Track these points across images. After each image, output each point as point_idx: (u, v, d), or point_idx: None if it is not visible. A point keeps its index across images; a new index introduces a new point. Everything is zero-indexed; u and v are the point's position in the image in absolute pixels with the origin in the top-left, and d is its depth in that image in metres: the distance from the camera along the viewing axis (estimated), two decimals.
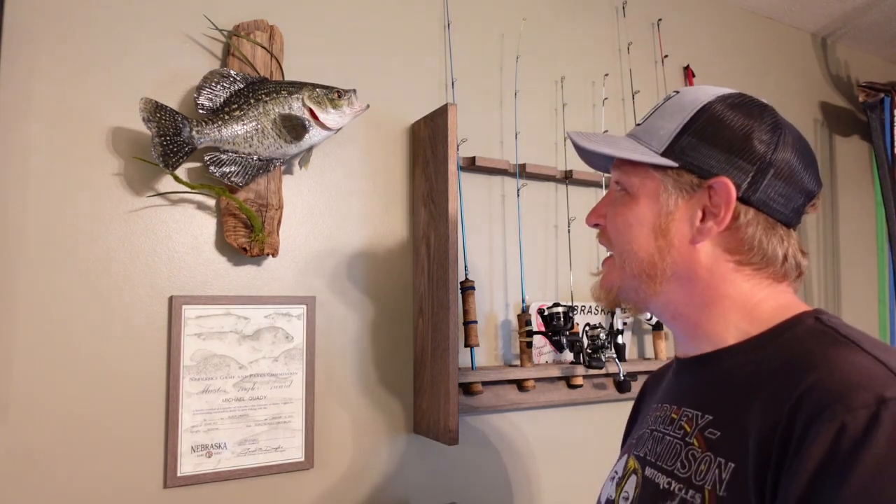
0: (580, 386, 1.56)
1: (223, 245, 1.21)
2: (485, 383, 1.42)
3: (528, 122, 1.60)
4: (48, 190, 1.08)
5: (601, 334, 1.49)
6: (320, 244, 1.32)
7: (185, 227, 1.18)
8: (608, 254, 0.76)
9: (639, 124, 0.74)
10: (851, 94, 2.39)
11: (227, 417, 1.18)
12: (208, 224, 1.20)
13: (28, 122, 1.07)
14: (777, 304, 0.67)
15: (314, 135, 1.20)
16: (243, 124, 1.15)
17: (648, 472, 0.69)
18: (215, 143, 1.14)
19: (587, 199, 1.70)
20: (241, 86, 1.17)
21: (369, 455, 1.33)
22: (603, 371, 1.55)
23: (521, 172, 1.55)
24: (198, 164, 1.18)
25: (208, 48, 1.23)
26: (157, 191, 1.16)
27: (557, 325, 1.46)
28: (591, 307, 1.64)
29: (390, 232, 1.40)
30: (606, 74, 1.77)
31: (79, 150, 1.10)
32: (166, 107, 1.09)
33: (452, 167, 1.29)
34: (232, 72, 1.16)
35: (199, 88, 1.14)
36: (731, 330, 0.68)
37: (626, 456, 0.78)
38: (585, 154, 0.78)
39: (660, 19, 1.89)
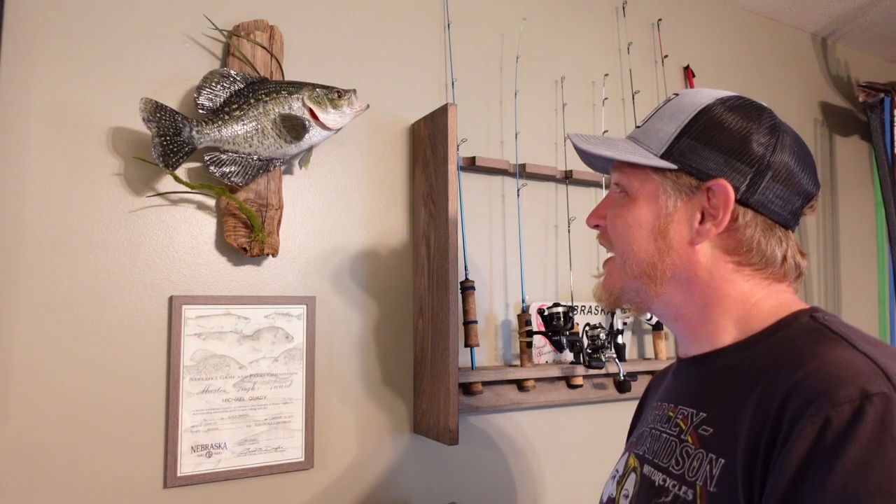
0: (580, 386, 1.56)
1: (223, 245, 1.21)
2: (485, 383, 1.42)
3: (528, 122, 1.60)
4: (48, 190, 1.08)
5: (601, 334, 1.49)
6: (320, 244, 1.32)
7: (185, 227, 1.18)
8: (609, 255, 0.77)
9: (639, 126, 0.74)
10: (851, 94, 2.39)
11: (227, 417, 1.18)
12: (208, 224, 1.20)
13: (28, 122, 1.07)
14: (776, 302, 0.67)
15: (314, 135, 1.20)
16: (243, 124, 1.15)
17: (646, 469, 0.70)
18: (215, 143, 1.14)
19: (587, 199, 1.70)
20: (241, 86, 1.17)
21: (369, 455, 1.33)
22: (603, 371, 1.55)
23: (521, 172, 1.55)
24: (198, 164, 1.18)
25: (208, 48, 1.23)
26: (157, 191, 1.16)
27: (557, 325, 1.46)
28: (591, 307, 1.64)
29: (390, 232, 1.40)
30: (606, 74, 1.77)
31: (79, 150, 1.10)
32: (166, 107, 1.09)
33: (452, 167, 1.29)
34: (232, 72, 1.16)
35: (199, 88, 1.14)
36: (729, 330, 0.68)
37: (626, 454, 0.79)
38: (586, 156, 0.78)
39: (660, 19, 1.89)
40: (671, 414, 0.71)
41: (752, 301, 0.68)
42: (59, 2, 1.11)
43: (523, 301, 1.53)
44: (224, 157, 1.14)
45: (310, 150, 1.22)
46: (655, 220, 0.69)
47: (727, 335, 0.68)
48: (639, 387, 1.61)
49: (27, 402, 1.04)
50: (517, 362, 1.51)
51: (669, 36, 1.91)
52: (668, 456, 0.67)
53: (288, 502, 1.24)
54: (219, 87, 1.15)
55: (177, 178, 1.11)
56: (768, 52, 2.19)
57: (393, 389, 1.38)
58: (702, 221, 0.67)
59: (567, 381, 1.56)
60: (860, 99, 2.23)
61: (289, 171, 1.28)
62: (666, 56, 1.89)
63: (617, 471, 0.79)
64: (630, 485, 0.73)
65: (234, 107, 1.15)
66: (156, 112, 1.07)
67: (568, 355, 1.56)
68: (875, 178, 2.38)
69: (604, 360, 1.48)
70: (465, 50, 1.54)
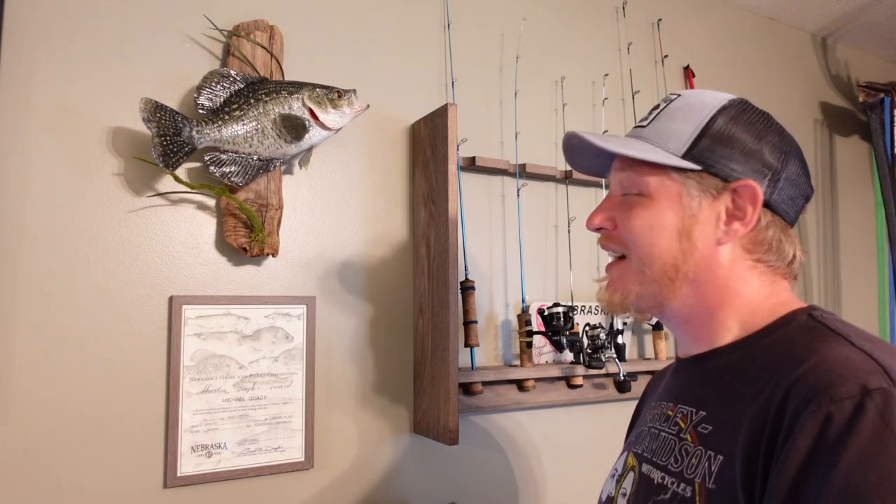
0: (580, 386, 1.56)
1: (223, 245, 1.21)
2: (485, 383, 1.42)
3: (528, 122, 1.60)
4: (48, 190, 1.08)
5: (601, 334, 1.49)
6: (320, 244, 1.32)
7: (186, 228, 1.18)
8: (611, 258, 0.75)
9: (642, 126, 0.73)
10: (851, 94, 2.39)
11: (227, 417, 1.18)
12: (208, 224, 1.20)
13: (28, 122, 1.07)
14: (777, 300, 0.69)
15: (314, 135, 1.20)
16: (243, 124, 1.15)
17: (645, 468, 0.71)
18: (215, 143, 1.14)
19: (587, 199, 1.70)
20: (241, 86, 1.17)
21: (369, 455, 1.33)
22: (603, 371, 1.55)
23: (521, 172, 1.55)
24: (198, 164, 1.18)
25: (208, 48, 1.23)
26: (157, 191, 1.16)
27: (557, 325, 1.46)
28: (591, 307, 1.64)
29: (390, 232, 1.40)
30: (606, 74, 1.77)
31: (79, 150, 1.10)
32: (166, 107, 1.09)
33: (452, 167, 1.29)
34: (232, 72, 1.16)
35: (199, 88, 1.14)
36: (732, 329, 0.69)
37: (625, 453, 0.79)
38: (573, 157, 0.78)
39: (660, 19, 1.89)
40: (670, 413, 0.72)
41: (758, 299, 0.69)
42: (60, 2, 1.11)
43: (523, 301, 1.53)
44: (224, 157, 1.14)
45: (310, 150, 1.22)
46: (679, 221, 0.68)
47: (729, 334, 0.69)
48: (639, 387, 1.61)
49: (27, 403, 1.04)
50: (517, 362, 1.51)
51: (669, 36, 1.91)
52: (667, 454, 0.67)
53: (288, 502, 1.24)
54: (219, 87, 1.15)
55: (177, 178, 1.11)
56: (768, 52, 2.19)
57: (393, 389, 1.38)
58: (727, 222, 0.68)
59: (567, 381, 1.56)
60: (860, 99, 2.23)
61: (289, 171, 1.28)
62: (666, 56, 1.89)
63: (616, 470, 0.79)
64: (628, 483, 0.73)
65: (234, 107, 1.15)
66: (156, 112, 1.07)
67: (568, 355, 1.56)
68: (875, 178, 2.38)
69: (604, 360, 1.48)
70: (465, 50, 1.54)
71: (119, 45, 1.15)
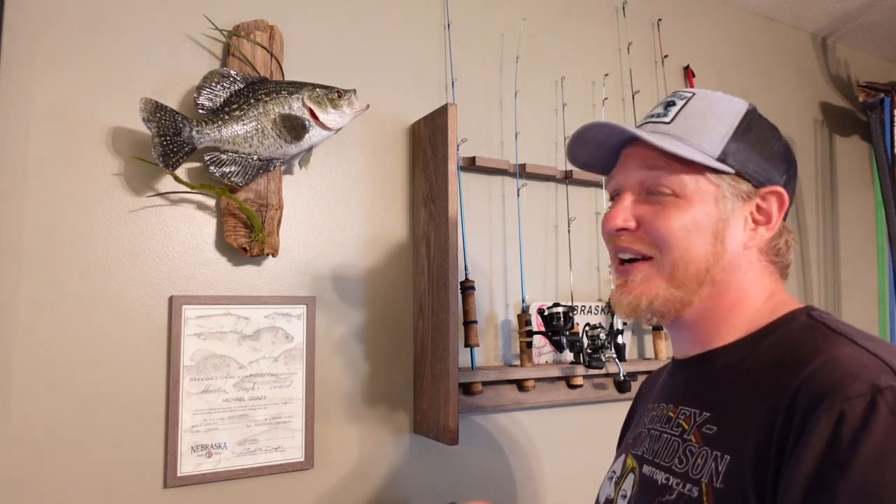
0: (580, 386, 1.56)
1: (223, 245, 1.21)
2: (485, 383, 1.42)
3: (528, 122, 1.60)
4: (48, 190, 1.08)
5: (601, 334, 1.49)
6: (320, 244, 1.32)
7: (186, 228, 1.18)
8: (626, 260, 0.71)
9: (661, 121, 0.71)
10: (851, 94, 2.39)
11: (227, 417, 1.18)
12: (208, 224, 1.20)
13: (28, 122, 1.07)
14: (778, 300, 0.71)
15: (314, 135, 1.20)
16: (243, 124, 1.15)
17: (646, 469, 0.71)
18: (215, 143, 1.14)
19: (587, 199, 1.70)
20: (241, 86, 1.17)
21: (369, 455, 1.33)
22: (603, 371, 1.55)
23: (521, 172, 1.55)
24: (198, 164, 1.18)
25: (208, 48, 1.23)
26: (157, 191, 1.16)
27: (557, 325, 1.46)
28: (591, 307, 1.64)
29: (390, 232, 1.40)
30: (606, 74, 1.77)
31: (79, 150, 1.10)
32: (166, 107, 1.09)
33: (452, 167, 1.29)
34: (232, 72, 1.16)
35: (199, 88, 1.14)
36: (737, 329, 0.70)
37: (623, 455, 0.79)
38: (579, 148, 0.76)
39: (660, 19, 1.89)
40: (671, 414, 0.71)
41: (762, 300, 0.70)
42: (60, 2, 1.11)
43: (523, 301, 1.53)
44: (224, 157, 1.14)
45: (310, 150, 1.22)
46: (714, 224, 0.67)
47: (734, 334, 0.70)
48: (639, 387, 1.61)
49: (27, 402, 1.04)
50: (517, 362, 1.51)
51: (669, 36, 1.91)
52: (671, 455, 0.67)
53: (288, 502, 1.24)
54: (219, 87, 1.15)
55: (177, 178, 1.11)
56: (768, 52, 2.19)
57: (393, 389, 1.38)
58: (753, 227, 0.69)
59: (567, 381, 1.56)
60: (860, 99, 2.23)
61: (289, 171, 1.28)
62: (666, 56, 1.89)
63: (614, 472, 0.79)
64: (628, 485, 0.73)
65: (234, 107, 1.15)
66: (156, 112, 1.07)
67: (568, 355, 1.56)
68: (875, 178, 2.38)
69: (604, 360, 1.48)
70: (465, 50, 1.54)
71: (119, 44, 1.15)
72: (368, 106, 1.24)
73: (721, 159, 0.67)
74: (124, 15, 1.16)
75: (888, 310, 2.27)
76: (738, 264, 0.69)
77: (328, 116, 1.18)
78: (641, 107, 1.79)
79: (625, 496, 0.73)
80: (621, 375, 1.57)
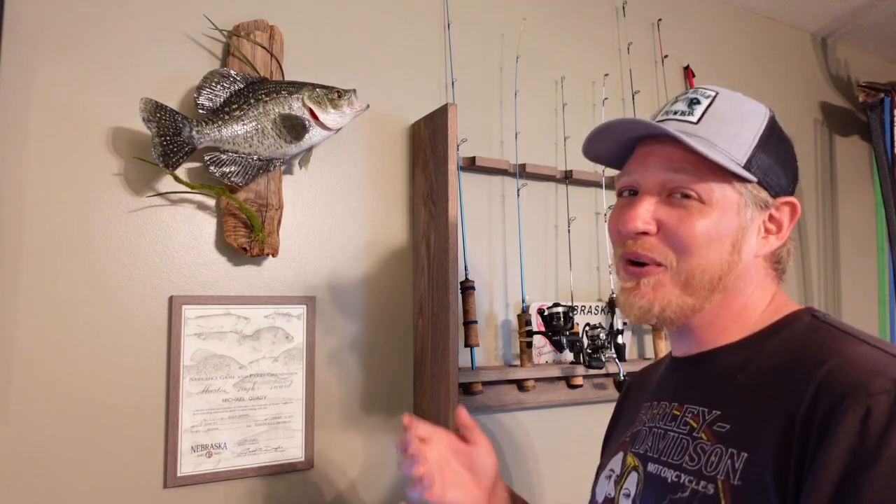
0: (580, 386, 1.56)
1: (223, 245, 1.21)
2: (485, 383, 1.42)
3: (528, 122, 1.60)
4: (48, 190, 1.08)
5: (601, 334, 1.49)
6: (320, 244, 1.32)
7: (185, 227, 1.18)
8: (636, 264, 0.69)
9: (688, 121, 0.68)
10: (851, 94, 2.39)
11: (227, 417, 1.18)
12: (208, 224, 1.20)
13: (28, 122, 1.07)
14: (780, 302, 0.72)
15: (314, 135, 1.20)
16: (243, 124, 1.15)
17: (652, 467, 0.70)
18: (215, 143, 1.14)
19: (587, 199, 1.70)
20: (241, 86, 1.17)
21: (369, 455, 1.33)
22: (603, 371, 1.55)
23: (521, 172, 1.55)
24: (198, 164, 1.18)
25: (208, 48, 1.23)
26: (157, 191, 1.16)
27: (557, 325, 1.46)
28: (591, 307, 1.64)
29: (390, 232, 1.40)
30: (606, 74, 1.77)
31: (79, 150, 1.10)
32: (166, 107, 1.09)
33: (452, 167, 1.29)
34: (232, 72, 1.16)
35: (199, 88, 1.14)
36: (741, 329, 0.70)
37: (621, 453, 0.78)
38: (595, 141, 0.74)
39: (660, 19, 1.89)
40: (676, 412, 0.71)
41: (765, 302, 0.71)
42: (60, 2, 1.11)
43: (523, 301, 1.53)
44: (224, 157, 1.14)
45: (310, 150, 1.22)
46: (735, 232, 0.67)
47: (735, 335, 0.70)
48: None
49: (27, 403, 1.04)
50: (517, 362, 1.51)
51: (669, 36, 1.91)
52: (680, 453, 0.67)
53: (288, 502, 1.24)
54: (219, 87, 1.15)
55: (177, 178, 1.11)
56: (768, 52, 2.19)
57: (393, 389, 1.38)
58: (765, 236, 0.70)
59: (567, 381, 1.56)
60: (860, 99, 2.23)
61: (289, 171, 1.28)
62: (666, 56, 1.89)
63: (612, 471, 0.78)
64: (631, 483, 0.73)
65: (234, 107, 1.15)
66: (156, 112, 1.07)
67: (568, 355, 1.56)
68: (875, 178, 2.38)
69: (604, 360, 1.48)
70: (465, 50, 1.54)
71: (119, 45, 1.15)
72: (368, 106, 1.24)
73: (746, 167, 0.66)
74: (124, 15, 1.16)
75: (888, 310, 2.27)
76: (748, 272, 0.69)
77: (328, 116, 1.18)
78: (641, 107, 1.79)
79: (628, 494, 0.72)
80: (621, 375, 1.57)
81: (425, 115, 1.39)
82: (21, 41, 1.07)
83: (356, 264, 1.35)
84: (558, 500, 1.56)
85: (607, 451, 0.86)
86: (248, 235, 1.17)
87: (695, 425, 0.67)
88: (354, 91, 1.21)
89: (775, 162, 0.69)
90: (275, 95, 1.17)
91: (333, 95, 1.19)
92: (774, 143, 0.69)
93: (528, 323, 1.49)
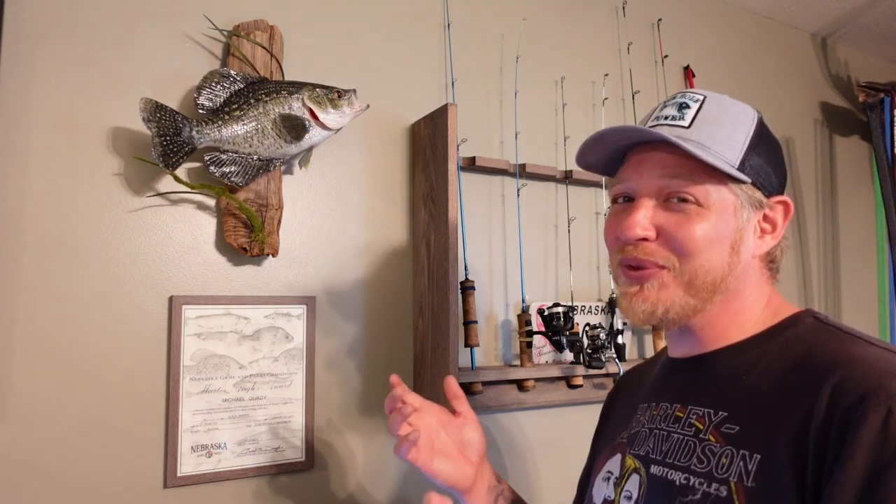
0: (580, 386, 1.56)
1: (223, 245, 1.21)
2: (485, 383, 1.42)
3: (528, 122, 1.60)
4: (48, 190, 1.08)
5: (601, 334, 1.49)
6: (320, 244, 1.32)
7: (185, 227, 1.18)
8: (638, 267, 0.69)
9: (679, 125, 0.69)
10: (851, 94, 2.39)
11: (227, 417, 1.18)
12: (208, 224, 1.20)
13: (28, 122, 1.07)
14: (777, 303, 0.72)
15: (314, 135, 1.20)
16: (243, 124, 1.15)
17: (655, 470, 0.70)
18: (215, 143, 1.14)
19: (587, 199, 1.70)
20: (241, 86, 1.17)
21: (369, 455, 1.33)
22: (603, 371, 1.55)
23: (521, 172, 1.55)
24: (198, 164, 1.18)
25: (208, 48, 1.23)
26: (157, 191, 1.16)
27: (557, 325, 1.46)
28: (591, 307, 1.64)
29: (390, 232, 1.40)
30: (606, 74, 1.77)
31: (79, 150, 1.10)
32: (166, 107, 1.09)
33: (452, 167, 1.29)
34: (232, 72, 1.16)
35: (199, 88, 1.14)
36: (741, 331, 0.71)
37: (618, 455, 0.77)
38: (589, 150, 0.74)
39: (660, 19, 1.89)
40: (679, 414, 0.71)
41: (763, 304, 0.72)
42: (59, 2, 1.11)
43: (523, 301, 1.53)
44: (224, 157, 1.14)
45: (310, 150, 1.22)
46: (733, 233, 0.68)
47: (735, 336, 0.71)
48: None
49: (27, 403, 1.04)
50: (517, 362, 1.51)
51: (669, 36, 1.91)
52: (687, 455, 0.67)
53: (288, 502, 1.24)
54: (219, 87, 1.15)
55: (177, 178, 1.11)
56: (768, 52, 2.19)
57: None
58: (760, 235, 0.70)
59: (567, 381, 1.56)
60: (860, 99, 2.23)
61: (289, 171, 1.28)
62: (666, 56, 1.89)
63: (610, 473, 0.77)
64: (633, 486, 0.72)
65: (234, 107, 1.15)
66: (156, 112, 1.07)
67: (568, 355, 1.56)
68: (875, 178, 2.38)
69: (604, 360, 1.48)
70: (465, 50, 1.54)
71: (119, 45, 1.15)
72: (368, 106, 1.24)
73: (740, 168, 0.67)
74: (124, 15, 1.16)
75: (888, 310, 2.27)
76: (748, 273, 0.70)
77: (328, 116, 1.18)
78: (641, 107, 1.79)
79: (629, 497, 0.72)
80: (621, 375, 1.57)
81: (425, 115, 1.39)
82: (21, 41, 1.07)
83: (356, 264, 1.35)
84: (558, 500, 1.56)
85: (600, 452, 0.85)
86: (248, 235, 1.17)
87: (701, 427, 0.67)
88: (354, 91, 1.21)
89: (766, 162, 0.69)
90: (275, 95, 1.17)
91: (333, 95, 1.19)
92: (764, 143, 0.70)
93: (528, 323, 1.49)
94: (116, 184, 1.13)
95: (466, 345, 1.40)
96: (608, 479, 0.77)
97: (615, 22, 1.82)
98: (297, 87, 1.18)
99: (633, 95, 1.80)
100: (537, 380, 1.51)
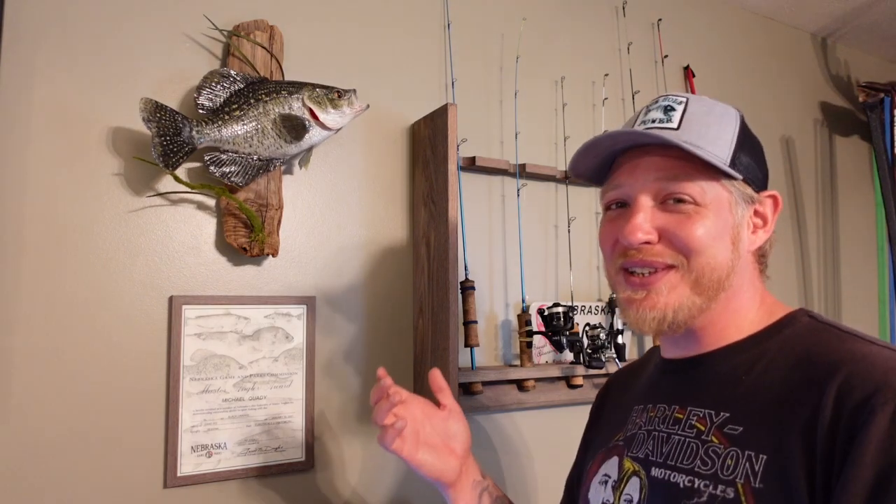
0: (580, 386, 1.56)
1: (223, 245, 1.21)
2: (485, 383, 1.42)
3: (528, 122, 1.60)
4: (48, 190, 1.08)
5: (601, 334, 1.49)
6: (320, 244, 1.32)
7: (185, 227, 1.18)
8: (643, 271, 0.69)
9: (667, 127, 0.69)
10: (851, 94, 2.39)
11: (227, 417, 1.18)
12: (208, 224, 1.20)
13: (28, 122, 1.07)
14: (771, 302, 0.73)
15: (314, 135, 1.20)
16: (243, 124, 1.15)
17: (657, 472, 0.69)
18: (215, 143, 1.14)
19: (587, 198, 1.70)
20: (241, 86, 1.17)
21: (369, 455, 1.33)
22: (603, 371, 1.55)
23: (521, 172, 1.55)
24: (198, 164, 1.18)
25: (208, 48, 1.23)
26: (157, 191, 1.16)
27: (557, 325, 1.46)
28: (591, 307, 1.64)
29: (390, 232, 1.40)
30: (606, 74, 1.77)
31: (79, 150, 1.10)
32: (166, 107, 1.09)
33: (452, 167, 1.29)
34: (232, 72, 1.16)
35: (199, 88, 1.14)
36: (736, 331, 0.71)
37: (615, 458, 0.77)
38: (581, 159, 0.75)
39: (660, 19, 1.89)
40: (679, 416, 0.70)
41: (757, 301, 0.72)
42: (59, 2, 1.11)
43: (523, 301, 1.53)
44: (224, 157, 1.14)
45: (310, 150, 1.22)
46: (731, 229, 0.68)
47: (732, 336, 0.71)
48: None
49: (27, 403, 1.04)
50: (517, 362, 1.51)
51: (669, 36, 1.91)
52: (690, 457, 0.66)
53: (288, 502, 1.24)
54: (219, 87, 1.15)
55: (177, 178, 1.11)
56: (768, 52, 2.19)
57: None
58: (753, 230, 0.71)
59: (567, 381, 1.56)
60: (860, 99, 2.23)
61: (289, 171, 1.28)
62: (666, 56, 1.89)
63: (608, 476, 0.77)
64: (633, 489, 0.71)
65: (234, 107, 1.15)
66: (156, 112, 1.07)
67: (568, 355, 1.56)
68: (875, 178, 2.38)
69: (604, 360, 1.48)
70: (465, 50, 1.54)
71: (119, 45, 1.15)
72: (368, 106, 1.24)
73: (732, 165, 0.68)
74: (124, 15, 1.16)
75: (888, 310, 2.27)
76: (745, 269, 0.71)
77: (328, 116, 1.18)
78: (641, 107, 1.79)
79: (630, 500, 0.71)
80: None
81: (425, 115, 1.39)
82: (21, 41, 1.07)
83: (356, 264, 1.35)
84: (558, 501, 1.56)
85: (593, 454, 0.84)
86: (248, 235, 1.17)
87: (702, 428, 0.67)
88: (354, 91, 1.21)
89: (752, 158, 0.71)
90: (275, 95, 1.17)
91: (333, 95, 1.19)
92: (749, 140, 0.72)
93: (528, 323, 1.49)
94: (116, 184, 1.13)
95: (466, 345, 1.40)
96: (605, 482, 0.77)
97: (615, 22, 1.82)
98: (297, 87, 1.18)
99: (633, 95, 1.80)
100: (537, 380, 1.51)
